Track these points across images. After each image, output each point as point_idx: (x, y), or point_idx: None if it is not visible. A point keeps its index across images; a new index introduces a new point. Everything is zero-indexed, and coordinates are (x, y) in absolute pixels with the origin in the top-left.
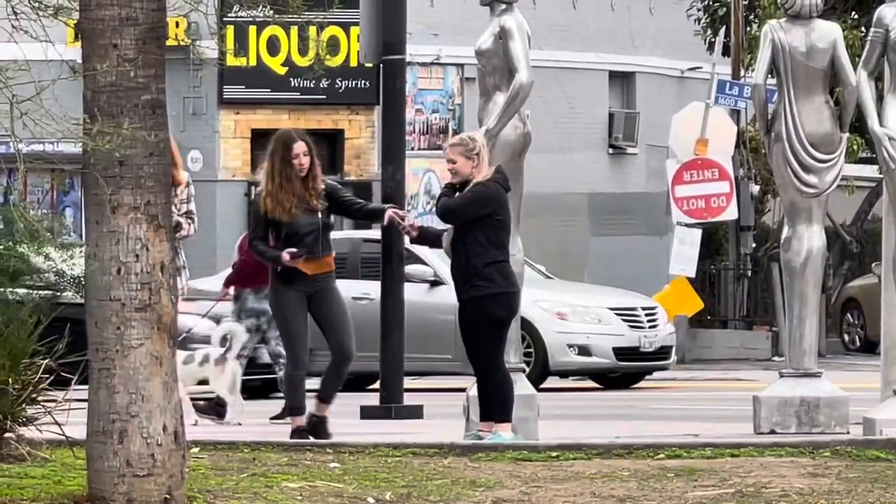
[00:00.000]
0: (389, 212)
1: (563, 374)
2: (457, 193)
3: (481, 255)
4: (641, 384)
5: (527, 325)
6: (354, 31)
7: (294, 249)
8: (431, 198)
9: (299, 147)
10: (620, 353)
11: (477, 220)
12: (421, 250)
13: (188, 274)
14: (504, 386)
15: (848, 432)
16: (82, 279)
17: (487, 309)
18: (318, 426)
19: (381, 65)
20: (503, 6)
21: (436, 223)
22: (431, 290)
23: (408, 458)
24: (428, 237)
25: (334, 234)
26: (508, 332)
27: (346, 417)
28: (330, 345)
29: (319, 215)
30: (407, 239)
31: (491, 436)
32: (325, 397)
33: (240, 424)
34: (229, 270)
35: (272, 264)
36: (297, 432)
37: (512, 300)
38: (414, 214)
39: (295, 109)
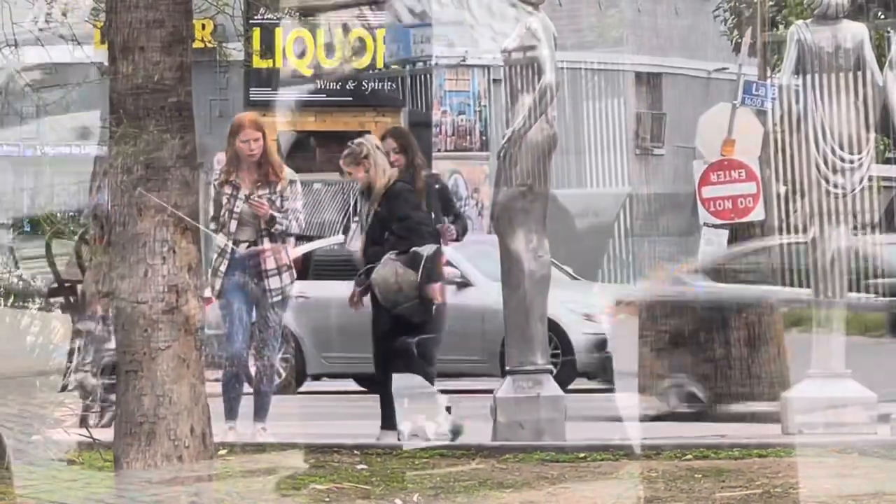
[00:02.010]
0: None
1: (591, 376)
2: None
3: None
4: None
5: (554, 327)
6: (381, 32)
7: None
8: (458, 199)
9: (388, 144)
10: None
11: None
12: (449, 252)
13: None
14: None
15: (876, 433)
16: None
17: None
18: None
19: (408, 66)
20: (529, 7)
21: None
22: (459, 291)
23: (435, 459)
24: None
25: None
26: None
27: (373, 419)
28: None
29: (432, 214)
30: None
31: None
32: None
33: None
34: None
35: None
36: None
37: None
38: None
39: (321, 111)
